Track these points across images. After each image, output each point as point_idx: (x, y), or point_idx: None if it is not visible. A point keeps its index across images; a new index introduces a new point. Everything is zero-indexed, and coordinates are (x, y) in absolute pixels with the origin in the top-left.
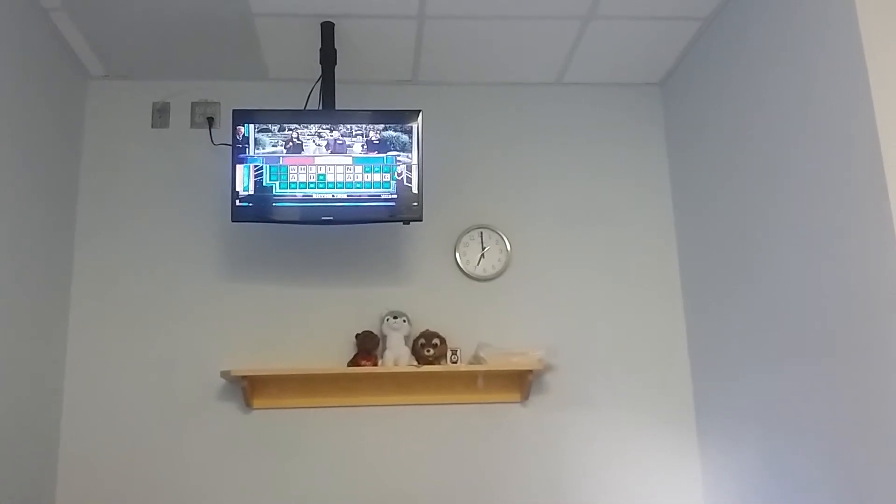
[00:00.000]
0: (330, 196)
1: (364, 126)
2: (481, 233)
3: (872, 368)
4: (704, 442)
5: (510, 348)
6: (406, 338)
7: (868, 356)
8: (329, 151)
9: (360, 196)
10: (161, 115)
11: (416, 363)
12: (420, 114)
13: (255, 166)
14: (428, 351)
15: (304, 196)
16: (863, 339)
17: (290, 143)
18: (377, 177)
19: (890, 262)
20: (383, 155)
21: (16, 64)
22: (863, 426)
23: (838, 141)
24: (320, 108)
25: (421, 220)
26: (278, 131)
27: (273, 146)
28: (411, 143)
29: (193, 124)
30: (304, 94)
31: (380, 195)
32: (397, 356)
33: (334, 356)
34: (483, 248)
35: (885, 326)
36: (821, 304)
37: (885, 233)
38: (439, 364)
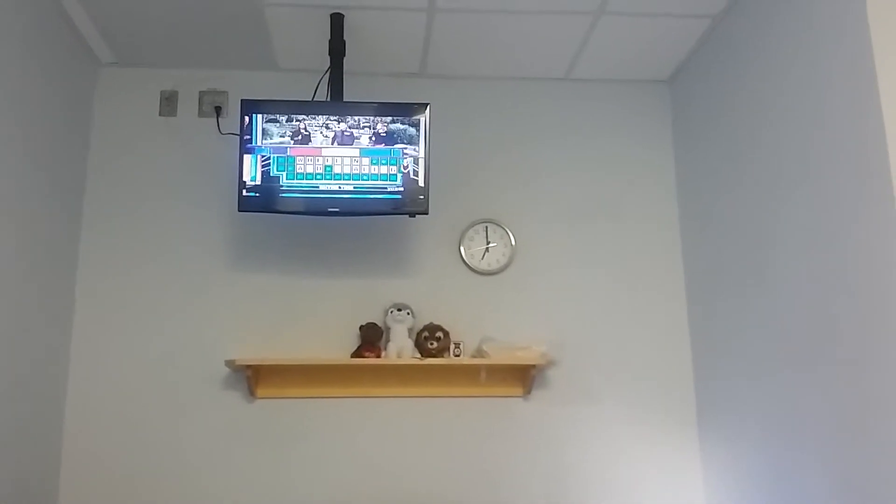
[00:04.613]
0: (336, 188)
1: (372, 118)
2: (486, 227)
3: (876, 371)
4: (705, 439)
5: (513, 342)
6: (410, 330)
7: (872, 358)
8: (336, 143)
9: (366, 188)
10: (169, 103)
11: (419, 356)
12: (428, 107)
13: (263, 156)
14: (431, 344)
15: (310, 187)
16: (867, 341)
17: (298, 134)
18: (384, 169)
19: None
20: (390, 147)
21: (26, 50)
22: (865, 428)
23: (847, 142)
24: (328, 99)
25: (427, 214)
26: (286, 122)
27: (280, 137)
28: (418, 136)
29: (201, 113)
30: (313, 84)
31: (386, 188)
32: (401, 348)
33: (338, 347)
34: (488, 243)
35: (890, 329)
36: (826, 305)
37: (891, 236)
38: (442, 357)
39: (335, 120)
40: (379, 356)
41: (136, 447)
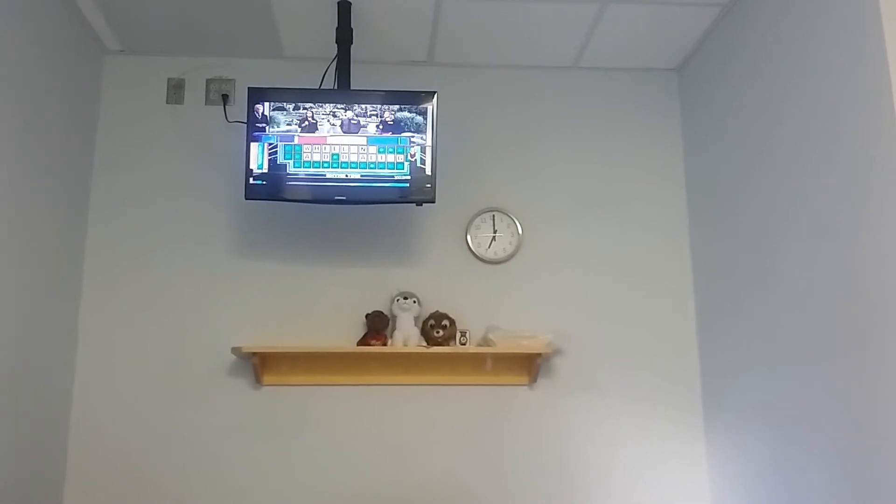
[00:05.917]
0: (343, 176)
1: (379, 106)
2: (493, 216)
3: (882, 366)
4: (711, 430)
5: (519, 331)
6: (416, 318)
7: (878, 353)
8: (343, 131)
9: (373, 176)
10: (176, 91)
11: (425, 344)
12: (435, 95)
13: (270, 144)
14: (437, 332)
15: (317, 175)
16: (874, 336)
17: (305, 122)
18: (391, 157)
19: None
20: (397, 136)
21: (32, 37)
22: (870, 423)
23: (858, 132)
24: (335, 87)
25: (433, 202)
26: (293, 110)
27: (287, 125)
28: (426, 124)
29: (208, 101)
30: (320, 72)
31: (393, 176)
32: (407, 336)
33: (344, 335)
34: (494, 232)
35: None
36: (834, 299)
37: None
38: (448, 345)
39: (342, 108)
40: (385, 344)
41: (143, 434)
